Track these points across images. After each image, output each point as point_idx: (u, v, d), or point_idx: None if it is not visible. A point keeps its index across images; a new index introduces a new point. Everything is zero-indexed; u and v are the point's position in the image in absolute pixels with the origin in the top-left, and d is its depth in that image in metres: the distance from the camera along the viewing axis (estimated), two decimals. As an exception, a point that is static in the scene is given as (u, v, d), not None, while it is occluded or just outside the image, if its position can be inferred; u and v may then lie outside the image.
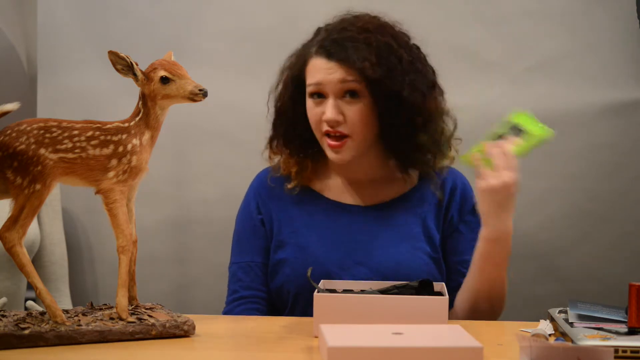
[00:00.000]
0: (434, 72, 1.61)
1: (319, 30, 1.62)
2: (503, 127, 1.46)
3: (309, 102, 1.57)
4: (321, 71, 1.54)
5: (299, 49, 1.62)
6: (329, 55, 1.54)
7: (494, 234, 1.44)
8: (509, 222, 1.44)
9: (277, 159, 1.69)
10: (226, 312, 1.63)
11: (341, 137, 1.54)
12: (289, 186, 1.64)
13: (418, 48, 1.60)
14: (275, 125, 1.65)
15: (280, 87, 1.64)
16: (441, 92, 1.61)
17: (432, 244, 1.60)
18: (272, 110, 1.66)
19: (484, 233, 1.46)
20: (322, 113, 1.55)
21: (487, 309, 1.50)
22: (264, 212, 1.65)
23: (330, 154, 1.57)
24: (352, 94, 1.53)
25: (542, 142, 1.43)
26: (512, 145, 1.42)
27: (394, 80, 1.52)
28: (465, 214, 1.63)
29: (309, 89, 1.57)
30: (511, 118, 1.46)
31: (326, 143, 1.56)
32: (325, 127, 1.55)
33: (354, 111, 1.53)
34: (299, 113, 1.60)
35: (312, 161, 1.65)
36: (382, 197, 1.64)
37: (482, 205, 1.44)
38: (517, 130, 1.44)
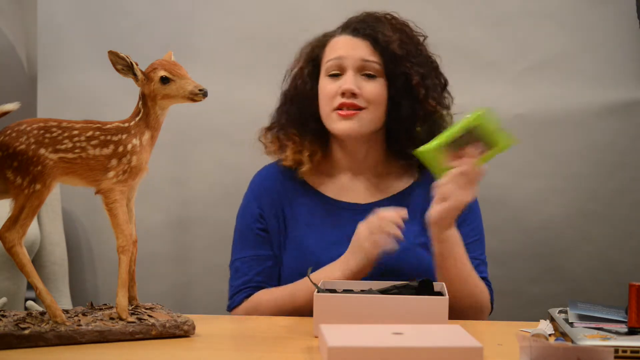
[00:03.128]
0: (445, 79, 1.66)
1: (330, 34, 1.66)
2: (462, 128, 1.41)
3: (325, 81, 1.60)
4: (344, 46, 1.58)
5: (319, 36, 1.66)
6: (355, 32, 1.59)
7: (444, 236, 1.46)
8: (453, 223, 1.46)
9: (276, 155, 1.69)
10: (232, 306, 1.60)
11: (355, 109, 1.56)
12: (302, 169, 1.64)
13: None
14: (289, 111, 1.66)
15: (296, 69, 1.67)
16: (451, 98, 1.66)
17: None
18: (281, 97, 1.68)
19: (435, 235, 1.46)
20: (337, 87, 1.57)
21: (468, 306, 1.50)
22: (264, 209, 1.65)
23: (339, 125, 1.57)
24: (370, 76, 1.57)
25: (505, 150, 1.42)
26: (475, 158, 1.40)
27: (412, 66, 1.56)
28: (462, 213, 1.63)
29: (327, 65, 1.59)
30: (471, 120, 1.41)
31: (336, 115, 1.57)
32: (339, 100, 1.56)
33: (371, 87, 1.57)
34: (315, 93, 1.62)
35: (320, 152, 1.65)
36: (382, 194, 1.65)
37: (437, 219, 1.44)
38: (477, 135, 1.40)
